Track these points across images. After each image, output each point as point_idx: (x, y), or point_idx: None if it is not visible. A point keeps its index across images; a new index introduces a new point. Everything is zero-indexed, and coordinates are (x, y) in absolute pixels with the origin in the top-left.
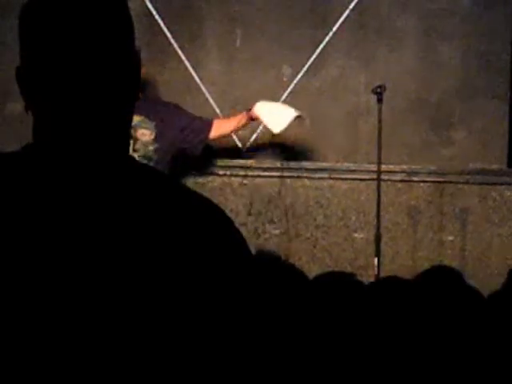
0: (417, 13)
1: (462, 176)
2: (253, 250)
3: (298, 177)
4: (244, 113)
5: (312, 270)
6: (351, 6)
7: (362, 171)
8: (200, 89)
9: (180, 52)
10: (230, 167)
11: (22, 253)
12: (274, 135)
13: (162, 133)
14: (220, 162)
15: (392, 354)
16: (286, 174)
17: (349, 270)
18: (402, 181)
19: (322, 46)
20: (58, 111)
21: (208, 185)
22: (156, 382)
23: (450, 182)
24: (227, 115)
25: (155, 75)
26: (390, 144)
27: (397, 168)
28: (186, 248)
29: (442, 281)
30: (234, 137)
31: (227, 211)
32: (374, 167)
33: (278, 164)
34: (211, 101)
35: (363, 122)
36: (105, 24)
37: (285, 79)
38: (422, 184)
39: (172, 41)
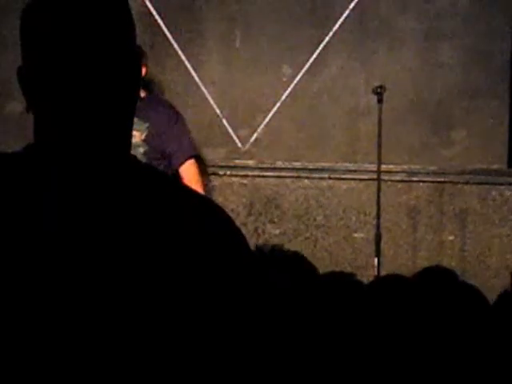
0: (417, 13)
1: (462, 176)
2: (253, 250)
3: (298, 177)
4: None
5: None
6: (351, 6)
7: (361, 171)
8: (200, 89)
9: (180, 52)
10: (230, 167)
11: (23, 254)
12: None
13: (153, 135)
14: (220, 162)
15: (392, 354)
16: (285, 173)
17: (349, 270)
18: (401, 181)
19: (322, 46)
20: (59, 111)
21: (208, 185)
22: (156, 382)
23: (450, 182)
24: (227, 115)
25: (155, 75)
26: (389, 144)
27: (397, 168)
28: (186, 248)
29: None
30: (234, 137)
31: (227, 211)
32: (373, 167)
33: (278, 164)
34: (211, 101)
35: (363, 122)
36: (106, 24)
37: (285, 79)
38: (421, 184)
39: (172, 41)
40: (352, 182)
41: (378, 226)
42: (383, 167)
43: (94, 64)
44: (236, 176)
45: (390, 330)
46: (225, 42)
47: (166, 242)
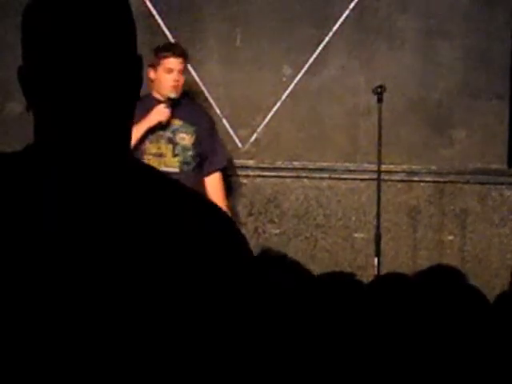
0: (417, 13)
1: (462, 176)
2: (253, 250)
3: (298, 177)
4: None
5: (312, 270)
6: (351, 6)
7: (361, 171)
8: (200, 89)
9: None
10: (230, 167)
11: (23, 254)
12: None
13: (199, 139)
14: None
15: (393, 354)
16: (286, 173)
17: (349, 270)
18: (401, 181)
19: (322, 46)
20: (58, 111)
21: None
22: (155, 382)
23: (450, 182)
24: (227, 115)
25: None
26: (390, 144)
27: (397, 168)
28: (186, 248)
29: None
30: (234, 137)
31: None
32: (374, 167)
33: (278, 164)
34: (211, 101)
35: (363, 122)
36: (106, 25)
37: (285, 79)
38: (422, 184)
39: (172, 41)
40: (352, 181)
41: (378, 226)
42: (383, 167)
43: (94, 64)
44: (236, 176)
45: (390, 329)
46: (225, 42)
47: (165, 243)
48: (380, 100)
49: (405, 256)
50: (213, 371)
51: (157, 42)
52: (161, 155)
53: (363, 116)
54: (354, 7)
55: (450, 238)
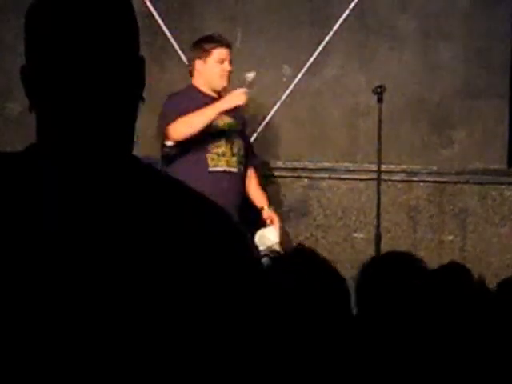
0: (417, 13)
1: (462, 176)
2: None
3: (298, 177)
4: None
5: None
6: (351, 6)
7: (361, 171)
8: None
9: (180, 52)
10: None
11: (23, 254)
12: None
13: (243, 135)
14: None
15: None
16: (286, 173)
17: (349, 270)
18: (401, 181)
19: (322, 46)
20: (60, 111)
21: None
22: (155, 382)
23: (450, 182)
24: None
25: (155, 75)
26: (389, 144)
27: (397, 168)
28: (186, 248)
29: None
30: None
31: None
32: (374, 167)
33: (278, 164)
34: None
35: (363, 121)
36: (110, 26)
37: (285, 79)
38: (422, 184)
39: (172, 41)
40: (352, 181)
41: (378, 226)
42: (383, 167)
43: (97, 65)
44: None
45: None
46: None
47: (166, 242)
48: (380, 100)
49: None
50: (213, 371)
51: (157, 41)
52: (224, 154)
53: (363, 116)
54: (353, 7)
55: (450, 237)
